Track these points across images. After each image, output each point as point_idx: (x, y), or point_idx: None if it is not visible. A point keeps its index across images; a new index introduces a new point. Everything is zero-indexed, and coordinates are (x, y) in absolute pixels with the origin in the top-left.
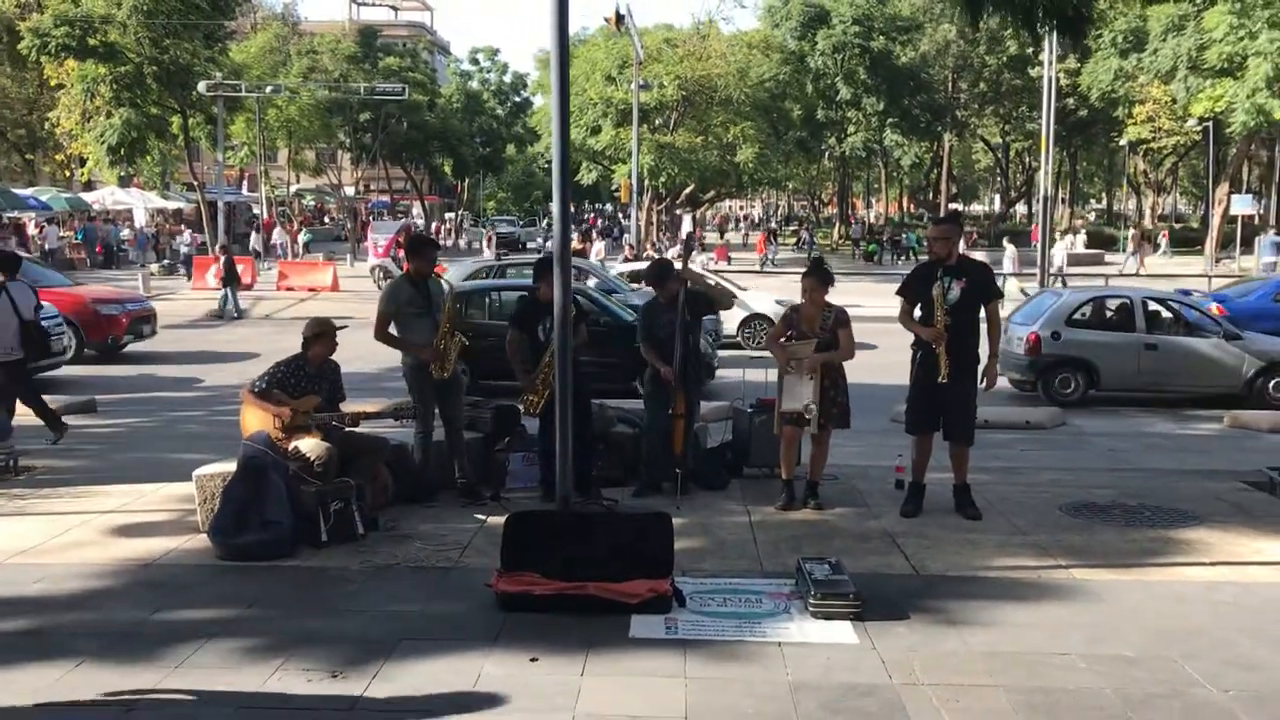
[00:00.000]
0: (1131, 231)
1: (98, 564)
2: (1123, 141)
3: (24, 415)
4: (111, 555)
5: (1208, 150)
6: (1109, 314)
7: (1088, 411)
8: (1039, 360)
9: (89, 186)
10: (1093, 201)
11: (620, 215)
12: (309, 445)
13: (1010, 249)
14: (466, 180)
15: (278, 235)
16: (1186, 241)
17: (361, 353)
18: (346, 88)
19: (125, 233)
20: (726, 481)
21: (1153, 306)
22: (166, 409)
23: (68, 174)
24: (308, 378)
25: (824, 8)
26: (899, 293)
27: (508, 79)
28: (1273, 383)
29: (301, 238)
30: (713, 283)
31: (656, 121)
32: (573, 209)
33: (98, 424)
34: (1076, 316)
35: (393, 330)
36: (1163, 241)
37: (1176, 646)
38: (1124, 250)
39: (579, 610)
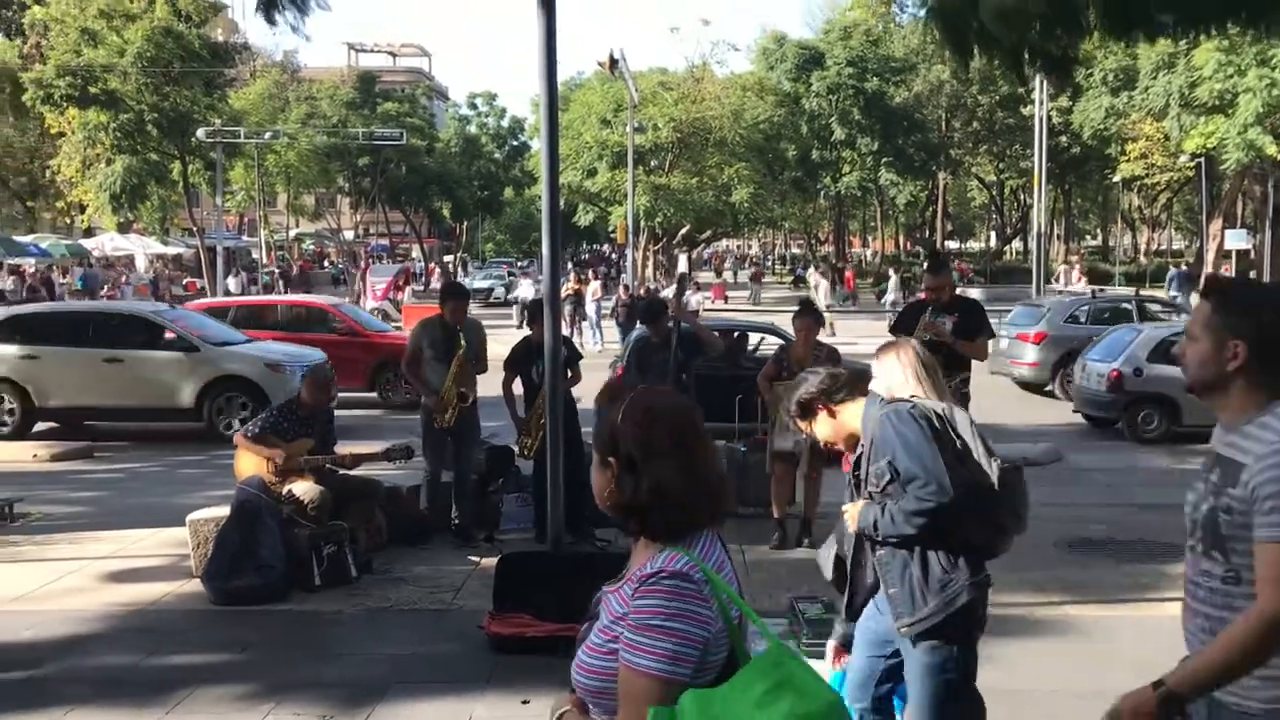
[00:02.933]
0: (1063, 267)
1: (91, 610)
2: (1116, 178)
3: (23, 463)
4: (105, 601)
5: (1201, 186)
6: None
7: (1085, 447)
8: (1121, 397)
9: (89, 233)
10: (1088, 238)
11: (615, 256)
12: (303, 489)
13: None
14: (465, 223)
15: (232, 283)
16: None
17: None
18: (345, 133)
19: (112, 279)
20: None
21: None
22: (164, 454)
23: (68, 221)
24: (300, 421)
25: (818, 50)
26: (892, 330)
27: (505, 123)
28: None
29: (229, 283)
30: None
31: (652, 163)
32: (570, 249)
33: (95, 469)
34: (1158, 352)
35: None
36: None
37: None
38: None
39: (571, 652)
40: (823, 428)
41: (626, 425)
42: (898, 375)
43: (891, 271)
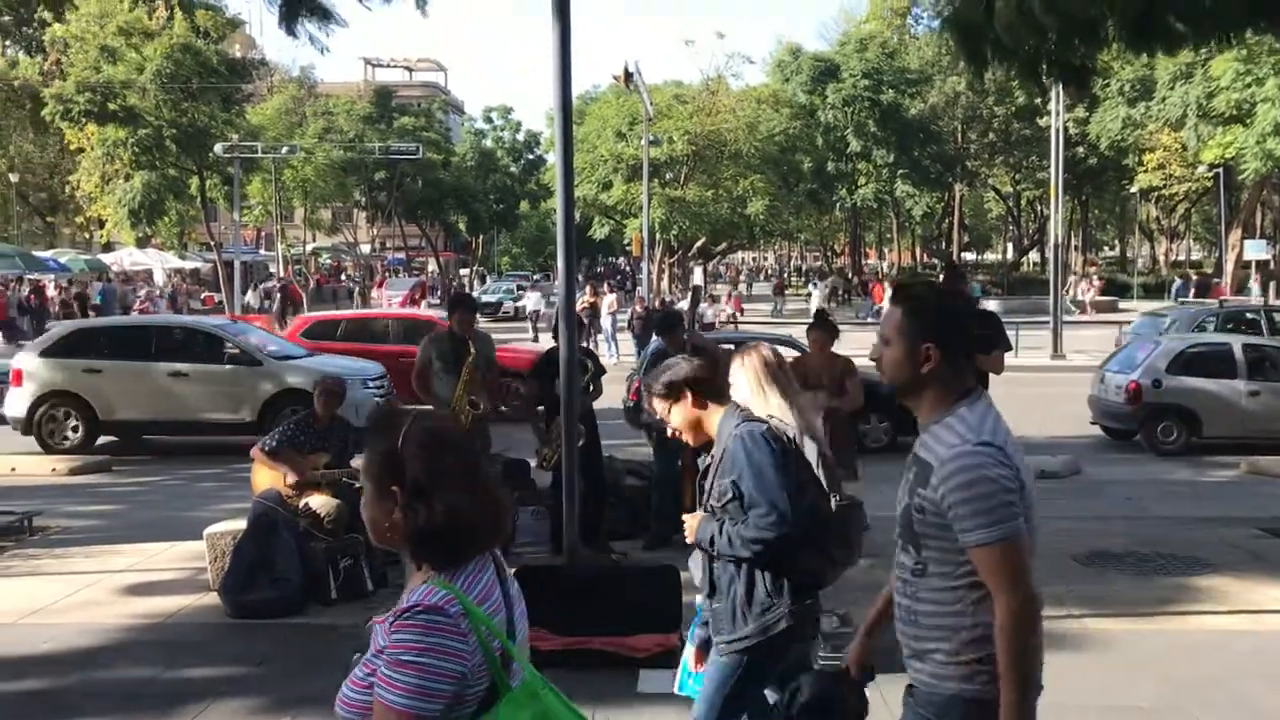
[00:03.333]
0: (1073, 277)
1: (108, 623)
2: (1134, 189)
3: (42, 476)
4: (122, 614)
5: (1219, 196)
6: (1210, 361)
7: (1104, 460)
8: (1140, 409)
9: (108, 248)
10: (1106, 249)
11: (630, 268)
12: (319, 502)
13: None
14: (481, 236)
15: (250, 297)
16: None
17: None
18: (362, 147)
19: (144, 292)
20: None
21: (1254, 352)
22: (182, 467)
23: (87, 236)
24: (316, 435)
25: (834, 62)
26: None
27: (521, 137)
28: None
29: (247, 298)
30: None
31: (667, 176)
32: (585, 262)
33: (113, 483)
34: (1177, 364)
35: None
36: (1254, 286)
37: (1192, 697)
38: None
39: (586, 665)
40: (679, 414)
41: (413, 450)
42: (744, 389)
43: (887, 284)
